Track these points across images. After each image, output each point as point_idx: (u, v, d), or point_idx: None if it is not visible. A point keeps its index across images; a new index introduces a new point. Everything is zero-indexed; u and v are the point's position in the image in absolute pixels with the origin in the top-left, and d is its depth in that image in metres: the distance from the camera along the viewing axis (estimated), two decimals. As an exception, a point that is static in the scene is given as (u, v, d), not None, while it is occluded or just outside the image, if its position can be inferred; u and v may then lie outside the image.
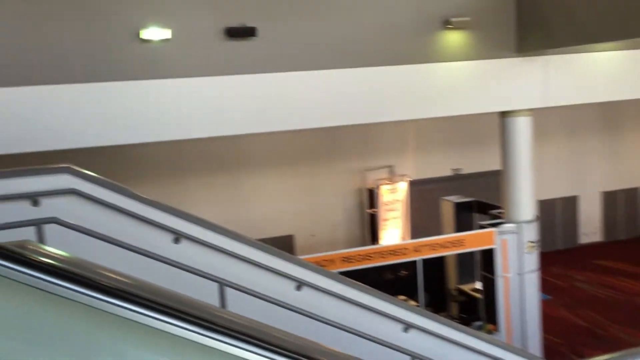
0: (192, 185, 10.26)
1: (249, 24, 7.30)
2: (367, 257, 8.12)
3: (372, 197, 11.48)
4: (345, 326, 4.36)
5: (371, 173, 11.46)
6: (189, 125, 7.36)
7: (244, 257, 4.20)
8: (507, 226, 8.68)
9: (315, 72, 7.63)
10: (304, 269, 4.42)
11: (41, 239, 3.20)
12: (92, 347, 1.82)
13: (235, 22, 7.26)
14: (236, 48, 7.37)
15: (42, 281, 1.67)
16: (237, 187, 10.76)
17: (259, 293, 4.12)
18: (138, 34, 6.94)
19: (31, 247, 1.91)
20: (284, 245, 8.38)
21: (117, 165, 8.46)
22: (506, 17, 8.16)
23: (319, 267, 4.78)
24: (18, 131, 6.42)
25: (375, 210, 11.38)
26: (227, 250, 4.11)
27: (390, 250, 8.34)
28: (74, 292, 1.69)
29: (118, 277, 1.91)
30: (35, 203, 3.55)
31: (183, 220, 3.95)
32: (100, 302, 1.71)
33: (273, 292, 4.15)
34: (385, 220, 11.24)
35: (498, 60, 8.21)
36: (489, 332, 8.54)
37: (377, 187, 11.28)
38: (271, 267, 4.31)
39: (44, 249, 1.86)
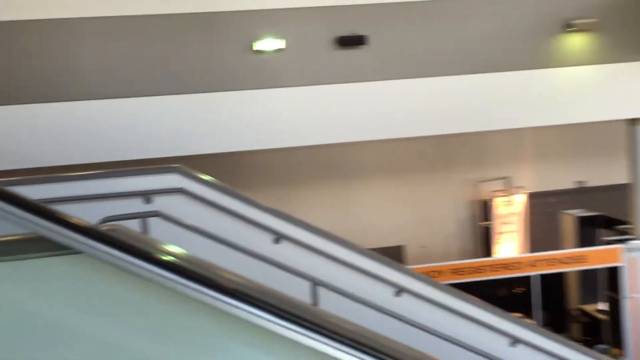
0: (302, 193, 10.45)
1: (360, 33, 7.35)
2: (478, 270, 7.81)
3: (485, 209, 11.05)
4: (449, 336, 4.22)
5: (485, 184, 11.04)
6: (300, 133, 7.52)
7: (345, 260, 4.20)
8: (637, 243, 8.02)
9: (427, 80, 7.52)
10: (406, 276, 4.34)
11: (145, 231, 3.40)
12: (209, 344, 1.89)
13: (346, 31, 7.34)
14: (347, 56, 7.44)
15: (167, 280, 1.76)
16: (347, 196, 10.81)
17: (361, 297, 4.10)
18: (252, 46, 7.21)
19: (159, 247, 2.03)
20: (394, 256, 8.28)
21: (231, 172, 8.81)
22: (635, 18, 7.58)
23: (422, 275, 4.67)
24: (142, 138, 6.88)
25: (489, 223, 10.94)
26: (328, 253, 4.13)
27: (503, 264, 7.96)
28: (198, 292, 1.77)
29: (241, 281, 1.97)
30: (148, 201, 3.77)
31: (284, 221, 4.02)
32: (222, 303, 1.78)
33: (372, 296, 4.11)
34: (500, 233, 10.77)
35: (626, 63, 7.64)
36: (615, 356, 7.92)
37: (492, 199, 10.84)
38: (371, 272, 4.28)
39: (172, 251, 1.96)
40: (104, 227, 1.80)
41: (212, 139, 7.21)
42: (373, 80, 7.58)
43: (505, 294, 8.59)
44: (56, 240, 1.76)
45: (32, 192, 3.10)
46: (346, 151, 10.28)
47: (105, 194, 3.71)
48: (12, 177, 4.15)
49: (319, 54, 7.41)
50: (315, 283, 3.62)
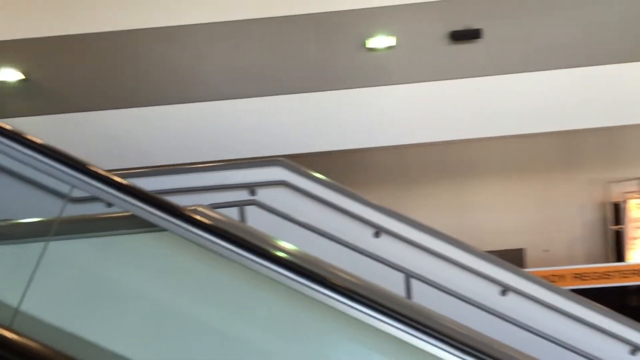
0: (415, 193, 10.29)
1: (474, 26, 7.13)
2: (605, 275, 7.28)
3: (617, 212, 10.24)
4: (561, 341, 3.97)
5: (617, 185, 10.24)
6: (412, 131, 7.45)
7: (447, 256, 4.09)
8: None
9: (545, 73, 7.15)
10: (513, 274, 4.14)
11: (242, 219, 3.53)
12: (325, 343, 1.95)
13: (459, 25, 7.15)
14: (460, 51, 7.26)
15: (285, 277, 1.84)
16: (463, 195, 10.49)
17: (465, 296, 3.98)
18: (364, 44, 7.24)
19: (240, 227, 2.12)
20: (513, 259, 7.93)
21: (342, 171, 8.89)
22: None
23: (532, 275, 4.43)
24: (257, 137, 7.15)
25: (621, 226, 10.13)
26: (430, 248, 4.05)
27: (634, 270, 7.35)
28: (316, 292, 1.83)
29: (363, 285, 2.00)
30: (252, 193, 3.92)
31: (385, 215, 4.00)
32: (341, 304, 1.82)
33: (476, 294, 3.97)
34: (634, 238, 9.93)
35: None
36: None
37: (625, 201, 10.03)
38: (476, 270, 4.13)
39: (292, 250, 2.04)
40: (186, 208, 1.89)
41: (323, 137, 7.33)
42: (489, 75, 7.34)
43: (637, 304, 7.92)
44: (144, 218, 1.88)
45: (149, 183, 3.33)
46: (461, 149, 10.00)
47: (212, 186, 3.90)
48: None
49: (431, 50, 7.29)
50: (409, 276, 3.56)
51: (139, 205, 1.86)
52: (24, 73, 6.96)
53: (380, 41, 7.22)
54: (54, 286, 1.80)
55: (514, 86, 7.30)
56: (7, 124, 1.90)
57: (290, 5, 7.08)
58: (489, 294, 4.02)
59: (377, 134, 7.45)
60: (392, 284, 3.23)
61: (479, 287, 4.05)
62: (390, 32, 7.21)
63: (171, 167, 4.13)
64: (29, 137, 1.84)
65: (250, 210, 3.60)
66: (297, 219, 3.63)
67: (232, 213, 3.53)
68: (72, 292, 1.81)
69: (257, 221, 3.42)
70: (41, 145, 1.84)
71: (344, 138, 7.42)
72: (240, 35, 7.15)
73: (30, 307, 1.77)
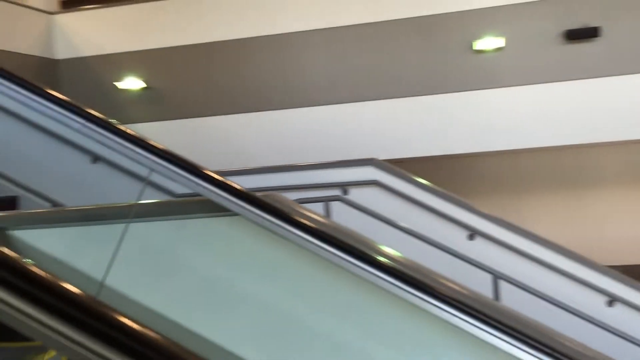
0: (530, 201, 9.81)
1: (592, 24, 6.72)
2: None
3: None
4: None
5: None
6: (524, 135, 7.14)
7: (549, 264, 3.87)
8: None
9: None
10: (623, 285, 3.83)
11: (327, 213, 3.55)
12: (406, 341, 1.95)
13: (573, 23, 6.78)
14: (577, 51, 6.87)
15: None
16: (583, 206, 9.85)
17: (571, 307, 3.75)
18: (471, 46, 7.06)
19: (310, 216, 2.17)
20: None
21: (446, 177, 8.68)
22: None
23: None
24: (361, 139, 7.18)
25: None
26: (528, 253, 3.86)
27: None
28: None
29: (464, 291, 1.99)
30: (345, 192, 3.94)
31: (479, 217, 3.87)
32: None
33: (581, 305, 3.72)
34: None
35: None
36: None
37: None
38: (582, 279, 3.87)
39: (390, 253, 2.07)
40: (258, 194, 1.95)
41: (428, 142, 7.22)
42: (608, 76, 6.87)
43: None
44: (217, 202, 1.96)
45: (249, 181, 3.46)
46: (581, 155, 9.42)
47: (305, 185, 3.97)
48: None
49: (543, 50, 6.96)
50: (497, 277, 3.40)
51: (210, 188, 1.95)
52: (145, 81, 7.49)
53: (488, 42, 7.00)
54: (134, 262, 1.93)
55: (637, 87, 6.79)
56: (131, 129, 2.08)
57: (395, 9, 7.07)
58: (594, 304, 3.75)
59: (484, 138, 7.22)
60: (480, 285, 3.12)
61: (584, 297, 3.79)
62: (499, 33, 6.98)
63: (269, 167, 4.26)
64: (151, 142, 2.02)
65: (336, 207, 3.62)
66: (383, 216, 3.60)
67: (319, 209, 3.57)
68: (149, 267, 1.93)
69: (342, 218, 3.43)
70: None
71: (449, 143, 7.26)
72: (344, 40, 7.24)
73: (113, 281, 1.90)
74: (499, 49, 7.00)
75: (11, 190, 3.48)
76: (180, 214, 1.96)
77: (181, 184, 1.99)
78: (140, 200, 1.99)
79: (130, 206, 1.97)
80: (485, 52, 7.07)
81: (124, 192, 2.86)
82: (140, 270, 1.94)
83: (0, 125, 3.64)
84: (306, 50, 7.26)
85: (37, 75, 7.40)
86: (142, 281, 1.92)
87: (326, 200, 3.54)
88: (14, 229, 1.98)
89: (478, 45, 7.04)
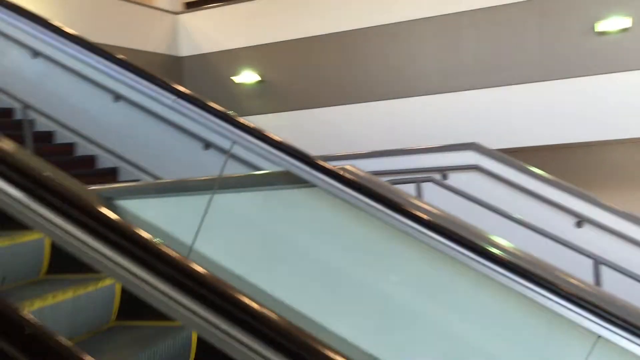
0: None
1: None
2: None
3: None
4: None
5: None
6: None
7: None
8: None
9: None
10: None
11: (419, 194, 3.52)
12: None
13: None
14: None
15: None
16: None
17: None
18: (593, 27, 6.64)
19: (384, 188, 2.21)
20: None
21: (562, 167, 8.21)
22: None
23: None
24: (474, 127, 6.99)
25: None
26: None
27: None
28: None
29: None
30: (444, 177, 3.90)
31: (588, 204, 3.66)
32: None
33: None
34: None
35: None
36: None
37: None
38: None
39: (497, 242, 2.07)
40: (335, 166, 2.01)
41: (546, 129, 6.89)
42: None
43: None
44: (297, 175, 2.05)
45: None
46: None
47: (405, 169, 3.97)
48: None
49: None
50: (598, 262, 3.20)
51: (291, 161, 2.04)
52: (260, 75, 7.81)
53: (612, 23, 6.55)
54: (219, 229, 2.07)
55: None
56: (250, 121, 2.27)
57: (510, -8, 6.82)
58: None
59: (609, 126, 6.76)
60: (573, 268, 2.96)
61: None
62: (625, 13, 6.50)
63: (369, 153, 4.30)
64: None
65: (428, 188, 3.60)
66: (483, 200, 3.51)
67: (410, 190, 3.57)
68: (233, 235, 2.06)
69: (433, 200, 3.40)
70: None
71: (568, 131, 6.88)
72: (457, 27, 7.09)
73: (201, 246, 2.06)
74: (625, 30, 6.52)
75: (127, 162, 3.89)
76: (261, 185, 2.07)
77: (267, 159, 2.10)
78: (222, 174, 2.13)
79: (214, 179, 2.11)
80: (609, 34, 6.61)
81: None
82: (224, 237, 2.08)
83: (133, 115, 3.99)
84: (417, 39, 7.20)
85: (164, 71, 7.96)
86: (226, 247, 2.06)
87: (418, 181, 3.52)
88: (118, 199, 2.19)
89: (600, 26, 6.61)
